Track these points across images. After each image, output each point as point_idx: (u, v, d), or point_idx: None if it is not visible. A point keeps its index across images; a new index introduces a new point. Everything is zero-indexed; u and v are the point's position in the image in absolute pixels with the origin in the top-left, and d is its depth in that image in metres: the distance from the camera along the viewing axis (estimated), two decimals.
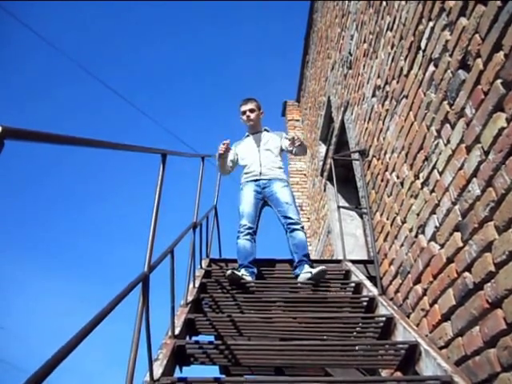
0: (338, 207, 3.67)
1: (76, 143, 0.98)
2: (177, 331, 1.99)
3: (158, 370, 1.63)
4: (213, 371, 2.43)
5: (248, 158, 3.39)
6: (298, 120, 8.12)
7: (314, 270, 2.80)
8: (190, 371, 1.98)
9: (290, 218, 3.06)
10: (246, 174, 3.37)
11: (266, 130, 3.53)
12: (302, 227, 3.10)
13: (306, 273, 2.83)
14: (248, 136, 3.53)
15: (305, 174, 7.46)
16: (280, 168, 3.36)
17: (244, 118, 3.46)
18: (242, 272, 2.87)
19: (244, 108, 3.46)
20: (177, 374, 1.88)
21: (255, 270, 2.98)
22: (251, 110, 3.45)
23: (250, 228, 3.08)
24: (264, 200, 3.25)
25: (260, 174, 3.27)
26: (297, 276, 2.90)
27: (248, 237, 3.05)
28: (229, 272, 2.78)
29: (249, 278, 2.85)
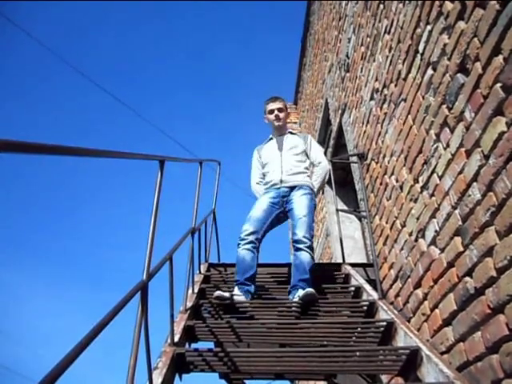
0: (337, 210, 3.66)
1: (74, 153, 0.96)
2: (176, 338, 1.97)
3: (157, 379, 1.62)
4: (213, 377, 2.41)
5: (269, 164, 3.09)
6: (295, 122, 8.11)
7: (303, 292, 2.47)
8: (189, 378, 1.98)
9: (295, 234, 2.73)
10: (266, 183, 3.06)
11: (290, 132, 3.25)
12: (309, 246, 2.68)
13: (295, 297, 2.52)
14: (271, 139, 3.23)
15: None
16: (303, 173, 3.02)
17: (272, 117, 3.15)
18: (235, 291, 2.56)
19: (272, 106, 3.16)
20: (176, 381, 1.87)
21: (252, 289, 2.65)
22: (280, 110, 3.16)
23: (252, 234, 2.74)
24: (282, 211, 2.94)
25: (281, 181, 2.95)
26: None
27: (249, 246, 2.71)
28: (216, 293, 2.48)
29: (241, 298, 2.55)
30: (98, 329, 1.11)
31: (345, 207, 4.82)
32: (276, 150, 3.13)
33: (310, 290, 2.48)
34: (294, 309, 2.48)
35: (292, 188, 2.94)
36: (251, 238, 2.76)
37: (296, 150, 3.09)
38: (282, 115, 3.17)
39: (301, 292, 2.51)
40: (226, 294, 2.50)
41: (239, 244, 2.77)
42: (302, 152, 3.10)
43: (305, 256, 2.66)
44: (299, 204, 2.85)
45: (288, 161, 3.03)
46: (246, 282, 2.66)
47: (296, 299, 2.51)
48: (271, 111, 3.17)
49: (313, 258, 2.70)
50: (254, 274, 2.71)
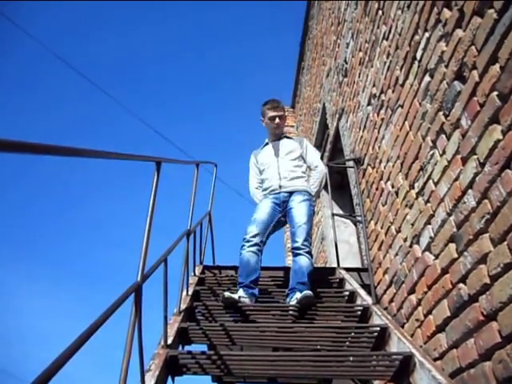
0: (333, 215, 3.66)
1: (71, 154, 0.96)
2: (169, 341, 1.97)
3: (150, 382, 1.61)
4: (205, 380, 2.41)
5: (267, 170, 3.11)
6: (292, 126, 8.12)
7: (300, 294, 2.47)
8: (182, 380, 1.97)
9: (295, 241, 2.74)
10: (264, 189, 3.07)
11: (286, 136, 3.29)
12: (308, 251, 2.70)
13: (293, 300, 2.52)
14: (267, 144, 3.25)
15: None
16: (301, 177, 3.05)
17: (273, 124, 3.16)
18: (240, 293, 2.56)
19: (275, 113, 3.15)
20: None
21: (256, 292, 2.65)
22: (281, 117, 3.18)
23: (257, 236, 2.74)
24: (283, 215, 2.95)
25: (280, 187, 2.97)
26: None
27: (254, 248, 2.70)
28: (225, 294, 2.46)
29: (247, 301, 2.54)
30: (91, 330, 1.11)
31: (340, 211, 4.83)
32: (273, 155, 3.14)
33: (309, 292, 2.48)
34: (290, 312, 2.47)
35: (291, 193, 2.96)
36: (256, 240, 2.75)
37: (293, 154, 3.12)
38: (282, 124, 3.23)
39: (298, 294, 2.51)
40: (235, 297, 2.50)
41: (244, 246, 2.75)
42: (298, 157, 3.12)
43: (304, 261, 2.66)
44: (299, 211, 2.86)
45: (285, 166, 3.06)
46: (250, 285, 2.65)
47: (293, 302, 2.50)
48: (273, 118, 3.16)
49: (312, 263, 2.70)
50: (258, 277, 2.71)
